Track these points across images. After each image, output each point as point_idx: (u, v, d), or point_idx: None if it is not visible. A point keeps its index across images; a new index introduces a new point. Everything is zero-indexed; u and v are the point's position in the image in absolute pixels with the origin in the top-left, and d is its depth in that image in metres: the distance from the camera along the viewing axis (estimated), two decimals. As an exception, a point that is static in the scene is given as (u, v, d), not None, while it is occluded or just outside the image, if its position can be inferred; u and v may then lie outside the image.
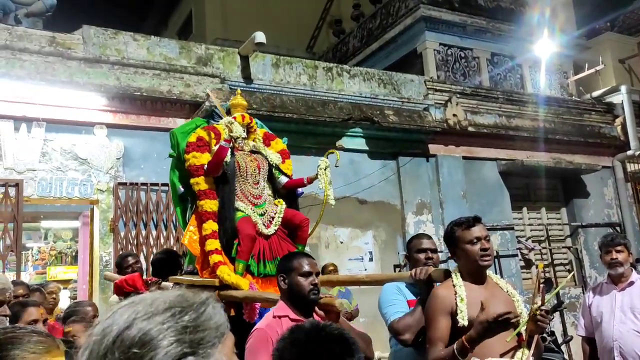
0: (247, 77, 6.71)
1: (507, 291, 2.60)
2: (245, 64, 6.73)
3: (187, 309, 0.87)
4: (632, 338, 3.53)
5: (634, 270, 3.72)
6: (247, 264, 3.20)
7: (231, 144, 3.40)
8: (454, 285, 2.52)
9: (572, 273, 2.97)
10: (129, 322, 0.83)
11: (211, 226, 3.26)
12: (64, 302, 9.80)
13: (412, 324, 2.76)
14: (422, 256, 3.00)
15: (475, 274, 2.55)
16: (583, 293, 8.15)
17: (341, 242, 7.01)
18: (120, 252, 5.46)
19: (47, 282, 6.39)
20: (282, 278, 2.63)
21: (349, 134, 7.20)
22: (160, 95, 6.03)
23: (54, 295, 4.84)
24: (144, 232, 5.91)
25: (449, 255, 2.73)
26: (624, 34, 11.67)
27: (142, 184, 5.98)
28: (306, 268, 2.59)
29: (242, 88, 6.42)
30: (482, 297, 2.49)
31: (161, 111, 6.16)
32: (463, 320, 2.41)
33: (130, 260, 4.61)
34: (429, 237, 3.13)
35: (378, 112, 7.30)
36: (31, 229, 10.68)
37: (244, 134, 3.55)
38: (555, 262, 8.64)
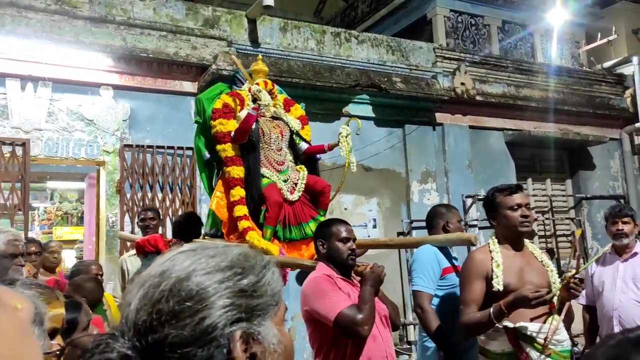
0: (254, 40, 6.62)
1: (542, 261, 2.62)
2: (253, 27, 6.63)
3: (248, 271, 0.83)
4: (632, 307, 3.56)
5: (638, 241, 3.73)
6: (275, 229, 3.26)
7: (259, 112, 3.40)
8: (490, 251, 2.54)
9: (607, 247, 2.95)
10: (188, 272, 0.79)
11: (239, 192, 3.30)
12: (70, 261, 9.96)
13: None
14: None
15: (513, 241, 2.58)
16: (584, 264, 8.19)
17: (345, 209, 7.03)
18: (142, 206, 5.55)
19: (49, 241, 6.46)
20: (321, 243, 2.70)
21: (355, 100, 7.14)
22: (167, 57, 5.98)
23: (55, 255, 4.88)
24: (149, 195, 5.95)
25: (487, 220, 2.75)
26: (639, 4, 11.40)
27: (148, 146, 5.98)
28: (344, 234, 2.67)
29: (249, 52, 6.35)
30: (518, 264, 2.53)
31: (167, 73, 6.11)
32: (498, 285, 2.44)
33: (149, 214, 4.60)
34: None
35: (385, 79, 7.22)
36: (37, 189, 10.76)
37: (271, 102, 3.53)
38: (558, 233, 8.67)
